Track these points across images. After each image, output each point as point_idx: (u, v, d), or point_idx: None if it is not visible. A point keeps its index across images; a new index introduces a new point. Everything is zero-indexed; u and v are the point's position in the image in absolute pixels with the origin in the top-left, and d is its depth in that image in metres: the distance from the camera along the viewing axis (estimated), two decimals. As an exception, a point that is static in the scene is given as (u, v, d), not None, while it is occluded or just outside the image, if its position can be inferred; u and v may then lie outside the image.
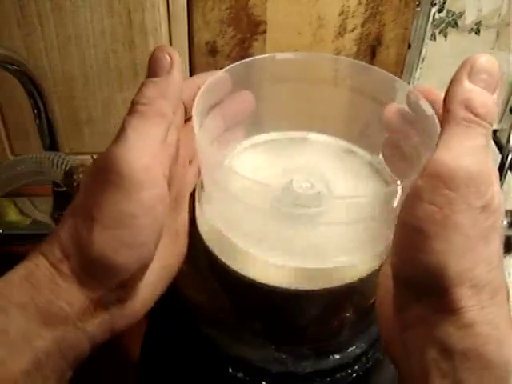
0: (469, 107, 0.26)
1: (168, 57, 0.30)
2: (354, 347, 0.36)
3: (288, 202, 0.31)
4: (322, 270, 0.32)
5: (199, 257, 0.35)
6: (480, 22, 0.68)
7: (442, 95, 0.28)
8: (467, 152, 0.25)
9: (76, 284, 0.28)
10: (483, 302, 0.24)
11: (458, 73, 0.27)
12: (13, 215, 0.68)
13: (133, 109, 0.29)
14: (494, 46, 0.71)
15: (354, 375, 0.36)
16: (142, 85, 0.30)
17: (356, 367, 0.36)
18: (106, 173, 0.27)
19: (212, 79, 0.33)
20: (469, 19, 0.68)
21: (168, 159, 0.31)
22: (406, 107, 0.34)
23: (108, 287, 0.28)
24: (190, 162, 0.35)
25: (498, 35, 0.70)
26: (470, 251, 0.25)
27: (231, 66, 0.35)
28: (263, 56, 0.36)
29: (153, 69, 0.30)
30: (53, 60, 0.63)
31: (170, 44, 0.63)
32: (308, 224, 0.31)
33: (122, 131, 0.28)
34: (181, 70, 0.31)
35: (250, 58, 0.35)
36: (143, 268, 0.30)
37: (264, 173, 0.36)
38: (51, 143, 0.59)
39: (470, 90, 0.26)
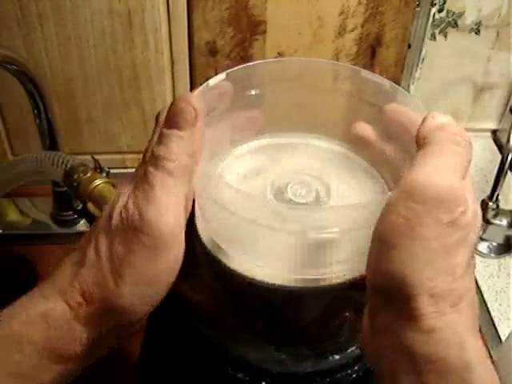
0: (442, 128, 0.28)
1: (193, 110, 0.29)
2: (354, 347, 0.36)
3: (284, 209, 0.31)
4: (323, 273, 0.32)
5: (199, 257, 0.35)
6: (480, 22, 0.69)
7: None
8: (439, 170, 0.26)
9: (91, 327, 0.29)
10: (444, 310, 0.26)
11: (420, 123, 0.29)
12: (13, 215, 0.68)
13: (158, 163, 0.28)
14: (493, 45, 0.71)
15: (354, 375, 0.36)
16: (165, 136, 0.29)
17: (356, 367, 0.36)
18: (137, 232, 0.28)
19: (208, 85, 0.33)
20: (469, 19, 0.68)
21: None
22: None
23: (116, 331, 0.30)
24: None
25: (498, 35, 0.70)
26: (432, 263, 0.26)
27: (231, 70, 0.34)
28: (264, 61, 0.36)
29: (175, 120, 0.29)
30: (53, 60, 0.63)
31: (170, 44, 0.63)
32: (305, 230, 0.31)
33: (149, 187, 0.28)
34: (203, 123, 0.29)
35: (250, 63, 0.35)
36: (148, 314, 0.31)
37: (259, 178, 0.36)
38: (51, 143, 0.59)
39: (440, 118, 0.28)
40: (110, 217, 0.29)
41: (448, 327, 0.25)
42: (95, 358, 0.31)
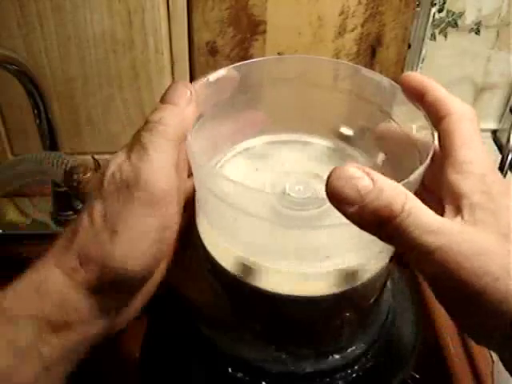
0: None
1: (189, 91, 0.31)
2: (354, 347, 0.36)
3: (285, 206, 0.31)
4: (323, 274, 0.32)
5: (199, 258, 0.35)
6: (480, 22, 0.68)
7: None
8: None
9: (87, 293, 0.29)
10: None
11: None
12: (13, 215, 0.68)
13: (152, 128, 0.30)
14: (493, 46, 0.71)
15: (354, 375, 0.36)
16: (160, 108, 0.31)
17: (356, 367, 0.36)
18: (131, 189, 0.28)
19: (208, 80, 0.33)
20: (469, 19, 0.68)
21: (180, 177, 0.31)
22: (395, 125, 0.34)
23: (114, 296, 0.30)
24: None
25: (498, 35, 0.70)
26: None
27: (232, 66, 0.35)
28: (263, 58, 0.36)
29: (171, 96, 0.31)
30: (53, 60, 0.63)
31: (170, 44, 0.63)
32: (306, 227, 0.31)
33: (143, 149, 0.29)
34: (196, 107, 0.32)
35: (249, 60, 0.35)
36: (147, 279, 0.31)
37: (259, 177, 0.36)
38: (51, 143, 0.59)
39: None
40: (102, 182, 0.30)
41: None
42: (97, 330, 0.30)
